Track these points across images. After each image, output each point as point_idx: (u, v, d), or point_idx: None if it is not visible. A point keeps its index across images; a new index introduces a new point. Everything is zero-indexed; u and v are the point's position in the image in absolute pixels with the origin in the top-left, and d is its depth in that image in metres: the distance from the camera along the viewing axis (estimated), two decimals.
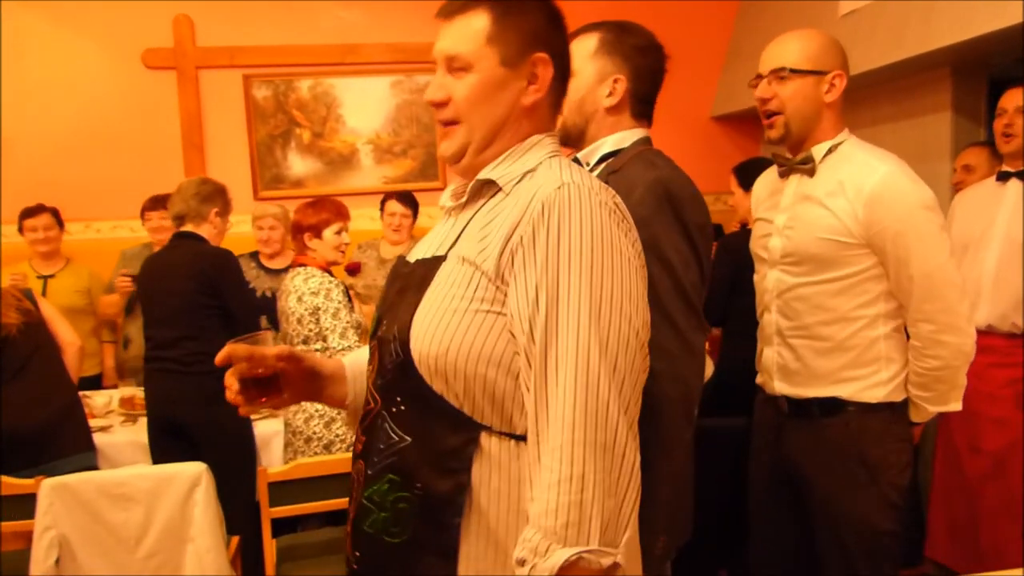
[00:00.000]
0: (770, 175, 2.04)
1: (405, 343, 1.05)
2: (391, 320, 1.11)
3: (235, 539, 2.54)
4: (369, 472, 1.09)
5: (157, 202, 3.65)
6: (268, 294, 3.61)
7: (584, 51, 1.55)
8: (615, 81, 1.55)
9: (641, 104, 1.60)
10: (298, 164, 4.58)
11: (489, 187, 1.13)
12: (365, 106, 4.61)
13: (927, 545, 2.90)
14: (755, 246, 2.05)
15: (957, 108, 3.17)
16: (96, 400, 3.27)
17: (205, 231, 2.90)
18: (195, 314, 2.78)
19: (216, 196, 2.93)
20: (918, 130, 3.37)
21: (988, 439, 2.63)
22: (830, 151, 1.86)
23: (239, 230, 3.81)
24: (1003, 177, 2.67)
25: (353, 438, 2.77)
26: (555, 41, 1.13)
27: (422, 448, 1.04)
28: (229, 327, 2.74)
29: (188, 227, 2.89)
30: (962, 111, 3.17)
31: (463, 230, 1.11)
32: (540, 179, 1.06)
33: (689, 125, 4.72)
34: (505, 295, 1.01)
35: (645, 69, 1.58)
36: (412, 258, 1.20)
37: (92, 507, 2.17)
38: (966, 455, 2.70)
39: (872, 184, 1.75)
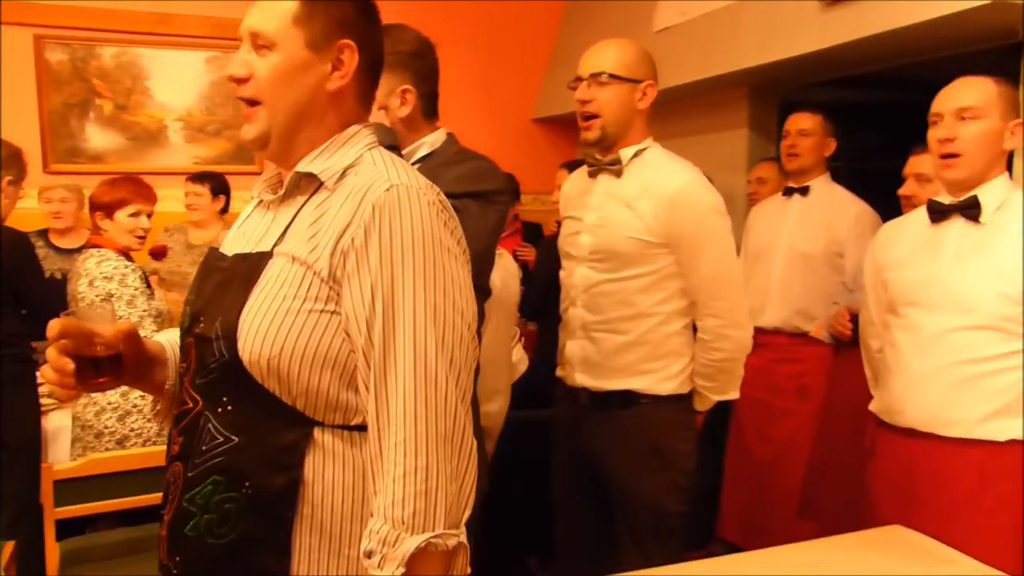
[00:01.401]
0: (579, 175, 2.12)
1: (232, 343, 1.03)
2: (211, 318, 1.07)
3: (8, 544, 2.30)
4: (189, 474, 1.05)
5: None
6: (58, 276, 3.30)
7: None
8: (404, 92, 1.62)
9: (430, 103, 1.68)
10: (97, 137, 4.22)
11: (309, 181, 1.10)
12: (176, 81, 4.33)
13: (719, 526, 3.15)
14: (564, 243, 2.12)
15: (752, 125, 3.46)
16: None
17: None
18: None
19: (10, 162, 2.62)
20: (720, 144, 3.64)
21: (774, 428, 2.89)
22: (636, 155, 1.97)
23: (24, 205, 3.45)
24: (788, 192, 2.95)
25: (155, 431, 2.62)
26: (365, 31, 1.13)
27: (253, 447, 1.03)
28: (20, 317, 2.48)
29: None
30: (756, 128, 3.47)
31: (288, 226, 1.08)
32: (366, 176, 1.06)
33: (511, 127, 4.82)
34: (339, 295, 1.02)
35: (425, 70, 1.65)
36: (228, 251, 1.15)
37: None
38: (755, 443, 2.96)
39: (673, 189, 1.87)
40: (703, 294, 1.92)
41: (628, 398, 1.98)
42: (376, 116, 1.61)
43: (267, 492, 1.02)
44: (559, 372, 2.13)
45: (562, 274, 2.13)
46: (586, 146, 2.00)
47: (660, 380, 1.97)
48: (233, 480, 1.03)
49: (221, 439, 1.04)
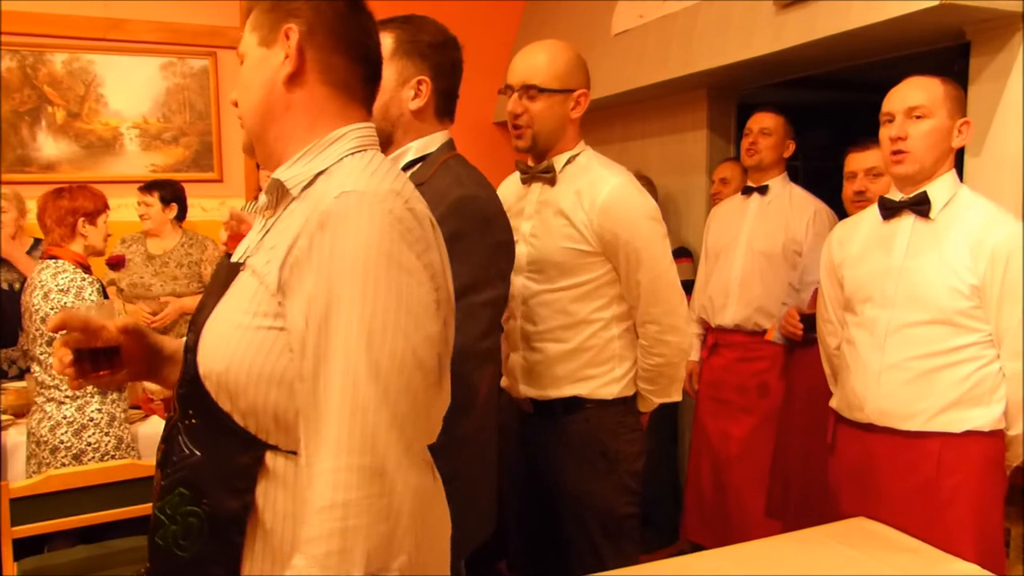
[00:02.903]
0: (513, 181, 2.09)
1: (195, 356, 1.01)
2: (194, 328, 1.06)
3: None
4: (163, 483, 1.04)
5: None
6: (4, 286, 3.23)
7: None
8: (419, 83, 1.55)
9: (446, 102, 1.60)
10: (50, 146, 4.12)
11: (284, 188, 1.07)
12: (130, 87, 4.23)
13: (682, 526, 3.17)
14: None
15: (711, 127, 3.50)
16: None
17: None
18: None
19: None
20: (680, 145, 3.67)
21: (736, 426, 2.92)
22: (569, 161, 1.94)
23: None
24: (747, 191, 2.99)
25: (112, 445, 2.57)
26: (315, 12, 1.07)
27: (211, 464, 1.00)
28: None
29: None
30: (715, 129, 3.50)
31: (264, 236, 1.06)
32: (332, 182, 1.01)
33: (471, 129, 4.80)
34: (286, 309, 0.96)
35: (446, 65, 1.58)
36: (234, 258, 1.13)
37: None
38: (717, 441, 2.98)
39: (604, 195, 1.85)
40: (640, 300, 1.90)
41: (573, 404, 1.96)
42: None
43: (221, 513, 0.98)
44: (503, 383, 2.09)
45: None
46: (519, 152, 1.99)
47: (604, 384, 1.95)
48: (195, 495, 1.00)
49: (187, 452, 1.02)
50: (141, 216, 3.59)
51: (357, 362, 0.89)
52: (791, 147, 2.92)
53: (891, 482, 1.89)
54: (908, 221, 1.90)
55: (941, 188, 1.87)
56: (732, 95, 3.52)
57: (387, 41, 1.53)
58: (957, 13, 2.22)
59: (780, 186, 2.93)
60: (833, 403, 2.07)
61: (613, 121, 4.07)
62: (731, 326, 2.92)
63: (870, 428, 1.93)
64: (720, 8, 3.00)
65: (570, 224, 1.88)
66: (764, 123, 2.89)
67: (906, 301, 1.85)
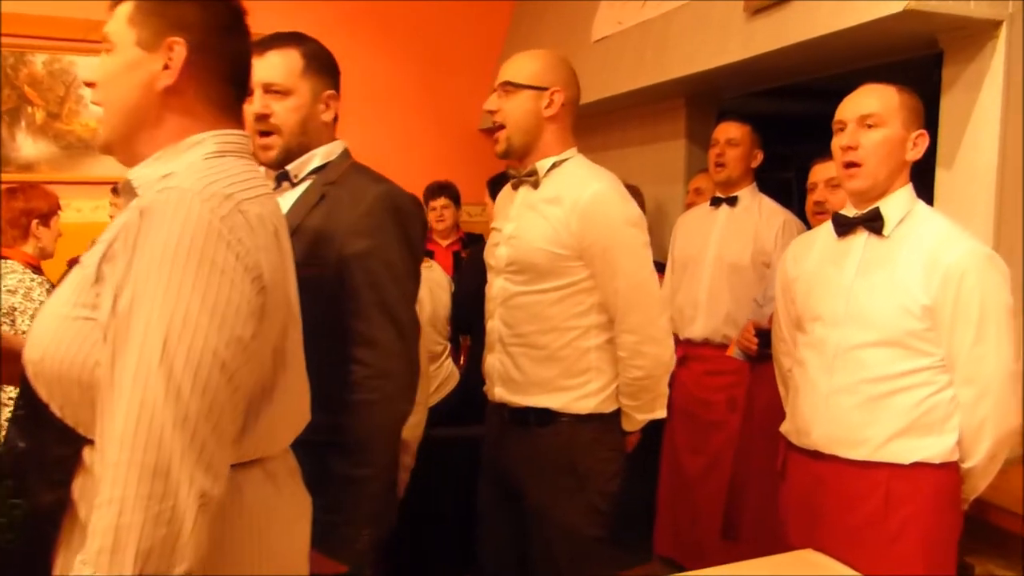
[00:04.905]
0: (507, 190, 2.08)
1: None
2: None
3: None
4: None
5: None
6: None
7: (292, 68, 1.58)
8: (329, 97, 1.63)
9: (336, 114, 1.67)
10: (29, 146, 4.09)
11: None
12: None
13: (655, 542, 3.07)
14: (487, 254, 2.08)
15: (690, 136, 3.41)
16: None
17: None
18: None
19: None
20: (659, 154, 3.58)
21: (706, 440, 2.82)
22: (554, 166, 1.91)
23: None
24: (716, 203, 2.89)
25: None
26: (206, 31, 1.08)
27: (32, 455, 1.01)
28: None
29: None
30: (694, 139, 3.41)
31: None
32: (167, 182, 0.99)
33: (457, 136, 4.75)
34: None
35: (338, 79, 1.66)
36: None
37: None
38: (686, 457, 2.89)
39: (585, 199, 1.82)
40: (618, 309, 1.85)
41: (546, 416, 1.91)
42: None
43: (39, 505, 0.99)
44: (486, 387, 2.07)
45: (487, 286, 2.07)
46: (500, 159, 1.97)
47: (579, 398, 1.89)
48: (18, 485, 1.00)
49: (15, 443, 1.03)
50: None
51: (151, 358, 0.87)
52: (759, 156, 2.83)
53: (837, 514, 1.79)
54: (862, 238, 1.80)
55: (896, 204, 1.77)
56: (712, 104, 3.43)
57: (294, 57, 1.58)
58: (927, 20, 2.12)
59: (749, 197, 2.84)
60: (783, 428, 1.97)
61: (596, 130, 3.98)
62: (700, 339, 2.83)
63: (818, 456, 1.83)
64: (694, 15, 2.91)
65: (549, 225, 1.85)
66: (730, 133, 2.79)
67: (856, 321, 1.76)
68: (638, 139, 3.72)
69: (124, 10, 1.07)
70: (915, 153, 1.75)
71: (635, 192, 3.32)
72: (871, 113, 1.74)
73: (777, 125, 2.90)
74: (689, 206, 3.25)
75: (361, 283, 1.50)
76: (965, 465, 1.75)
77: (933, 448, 1.71)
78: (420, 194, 4.00)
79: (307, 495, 1.23)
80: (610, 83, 3.37)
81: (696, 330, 2.83)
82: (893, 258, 1.74)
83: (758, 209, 2.79)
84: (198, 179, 0.98)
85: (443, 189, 3.86)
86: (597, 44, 3.56)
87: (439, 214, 3.86)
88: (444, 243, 3.90)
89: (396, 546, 2.53)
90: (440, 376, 2.90)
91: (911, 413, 1.71)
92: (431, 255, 3.82)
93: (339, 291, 1.49)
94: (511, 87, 1.88)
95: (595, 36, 3.57)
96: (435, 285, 2.94)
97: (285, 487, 1.13)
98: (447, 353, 2.98)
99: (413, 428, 2.14)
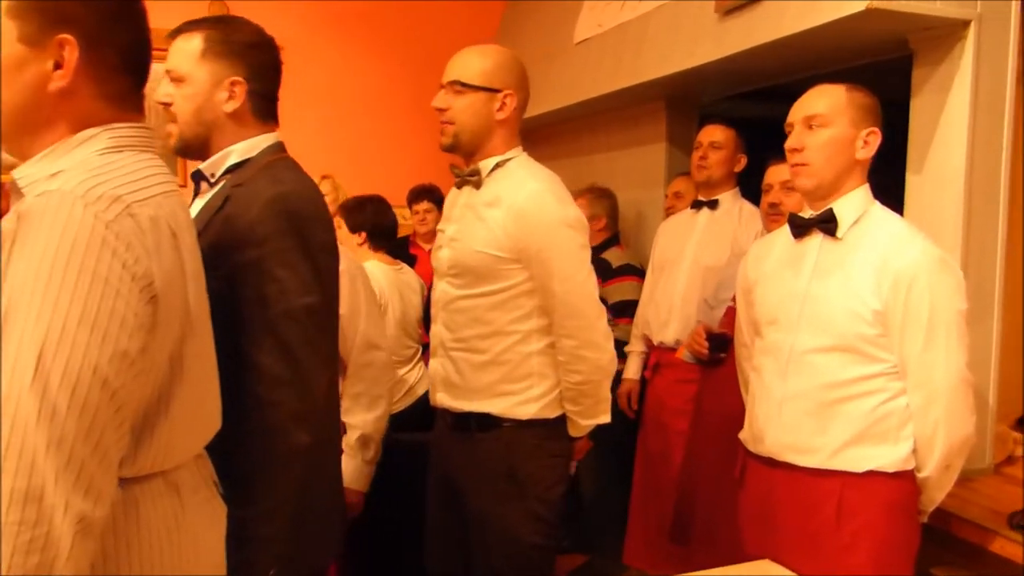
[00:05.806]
0: (454, 189, 2.04)
1: None
2: None
3: None
4: None
5: None
6: None
7: (189, 53, 1.45)
8: (233, 84, 1.46)
9: (265, 103, 1.52)
10: None
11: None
12: None
13: (625, 552, 3.02)
14: (432, 258, 2.04)
15: (670, 139, 3.37)
16: None
17: None
18: None
19: None
20: (641, 157, 3.54)
21: (677, 450, 2.77)
22: (498, 166, 1.88)
23: None
24: (697, 206, 2.86)
25: None
26: (95, 24, 1.01)
27: None
28: None
29: None
30: (674, 142, 3.37)
31: None
32: (54, 182, 0.93)
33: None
34: None
35: (264, 66, 1.50)
36: None
37: None
38: (659, 465, 2.85)
39: (520, 200, 1.78)
40: (556, 313, 1.81)
41: (487, 421, 1.88)
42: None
43: None
44: (430, 392, 2.03)
45: (432, 289, 2.05)
46: (443, 151, 1.92)
47: (519, 403, 1.86)
48: None
49: None
50: None
51: (23, 376, 0.81)
52: (742, 161, 2.80)
53: (791, 523, 1.74)
54: (817, 240, 1.77)
55: (849, 205, 1.73)
56: (692, 107, 3.39)
57: (195, 42, 1.46)
58: (892, 20, 2.08)
59: (731, 201, 2.81)
60: (741, 435, 1.92)
61: (580, 133, 3.95)
62: (672, 343, 2.79)
63: (773, 463, 1.79)
64: (668, 16, 2.89)
65: (487, 227, 1.81)
66: (714, 136, 2.77)
67: (809, 325, 1.72)
68: (621, 143, 3.68)
69: (3, 3, 0.99)
70: (866, 152, 1.71)
71: (607, 195, 3.30)
72: (816, 114, 1.71)
73: (758, 128, 2.85)
74: (668, 210, 3.21)
75: (248, 298, 1.34)
76: (920, 475, 1.70)
77: (887, 457, 1.67)
78: (404, 197, 4.00)
79: (221, 503, 1.18)
80: (591, 85, 3.34)
81: (669, 333, 2.79)
82: (847, 261, 1.70)
83: (738, 213, 2.76)
84: (86, 179, 0.92)
85: (426, 192, 3.83)
86: (579, 46, 3.53)
87: (422, 217, 3.84)
88: (427, 247, 3.87)
89: (360, 550, 2.50)
90: (411, 380, 2.87)
91: (864, 420, 1.67)
92: (414, 259, 3.80)
93: (232, 306, 1.33)
94: (461, 87, 1.83)
95: (577, 38, 3.55)
96: (405, 287, 2.91)
97: (192, 497, 1.08)
98: (418, 356, 2.95)
99: (376, 422, 2.13)
